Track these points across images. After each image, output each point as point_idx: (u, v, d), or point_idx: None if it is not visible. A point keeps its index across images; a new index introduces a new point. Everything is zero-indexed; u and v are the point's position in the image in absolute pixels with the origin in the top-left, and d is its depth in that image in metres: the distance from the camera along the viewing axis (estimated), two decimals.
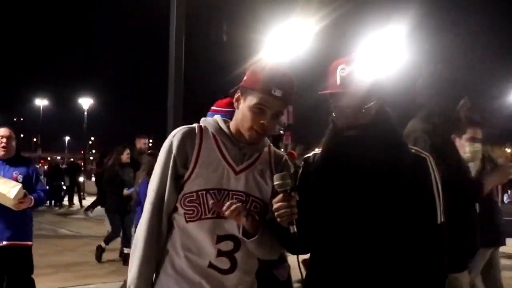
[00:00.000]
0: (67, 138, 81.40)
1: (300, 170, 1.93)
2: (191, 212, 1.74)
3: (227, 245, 1.75)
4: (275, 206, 1.64)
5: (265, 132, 1.75)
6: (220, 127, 1.82)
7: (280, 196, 1.64)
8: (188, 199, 1.74)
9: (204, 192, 1.73)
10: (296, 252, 1.84)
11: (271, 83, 1.70)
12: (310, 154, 1.93)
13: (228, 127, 1.83)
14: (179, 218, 1.77)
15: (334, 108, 1.76)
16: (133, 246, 1.82)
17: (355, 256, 1.69)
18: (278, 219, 1.65)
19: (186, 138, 1.78)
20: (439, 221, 1.71)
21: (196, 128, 1.82)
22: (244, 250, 1.78)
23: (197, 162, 1.75)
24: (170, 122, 5.99)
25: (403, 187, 1.68)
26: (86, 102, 36.78)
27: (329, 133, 1.82)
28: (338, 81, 1.72)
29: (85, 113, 36.07)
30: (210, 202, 1.73)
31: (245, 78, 1.78)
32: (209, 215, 1.73)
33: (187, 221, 1.75)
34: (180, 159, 1.75)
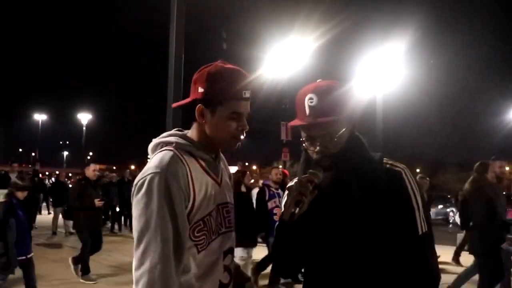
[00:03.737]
0: (65, 153, 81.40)
1: (284, 199, 1.90)
2: (202, 241, 1.65)
3: (228, 259, 1.77)
4: (296, 189, 1.62)
5: (243, 136, 1.74)
6: (192, 144, 1.71)
7: (303, 184, 1.62)
8: (197, 229, 1.64)
9: (208, 216, 1.68)
10: (286, 274, 1.86)
11: (240, 87, 1.66)
12: (293, 183, 1.89)
13: (197, 141, 1.73)
14: (189, 252, 1.61)
15: (305, 138, 1.74)
16: None
17: (343, 277, 1.68)
18: (292, 196, 1.63)
19: (180, 169, 1.61)
20: (420, 232, 1.68)
21: (177, 154, 1.65)
22: (233, 260, 1.82)
23: (195, 190, 1.64)
24: None
25: (382, 209, 1.66)
26: (85, 117, 36.87)
27: (302, 163, 1.81)
28: (307, 111, 1.68)
29: (84, 128, 36.13)
30: (213, 223, 1.69)
31: (201, 90, 1.67)
32: (213, 237, 1.70)
33: (199, 251, 1.64)
34: (185, 191, 1.61)
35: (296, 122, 1.72)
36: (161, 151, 1.67)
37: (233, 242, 1.82)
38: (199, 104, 1.68)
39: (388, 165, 1.75)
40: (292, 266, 1.85)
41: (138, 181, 1.58)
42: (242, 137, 1.73)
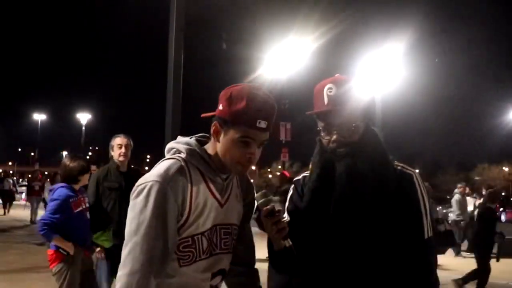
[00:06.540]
0: (64, 153, 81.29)
1: (290, 193, 1.92)
2: (186, 257, 1.62)
3: (217, 280, 1.72)
4: (268, 227, 1.65)
5: (251, 164, 1.66)
6: (203, 159, 1.67)
7: (268, 216, 1.65)
8: (183, 245, 1.61)
9: (199, 235, 1.62)
10: (286, 273, 1.87)
11: (255, 116, 1.58)
12: (300, 177, 1.93)
13: (209, 156, 1.68)
14: (170, 263, 1.61)
15: (322, 127, 1.76)
16: None
17: (347, 273, 1.69)
18: (273, 238, 1.66)
19: (182, 182, 1.59)
20: (426, 236, 1.71)
21: (184, 167, 1.62)
22: (224, 279, 1.77)
23: (191, 207, 1.60)
24: (168, 137, 5.99)
25: (390, 203, 1.69)
26: (84, 117, 36.95)
27: (316, 154, 1.82)
28: (326, 100, 1.72)
29: (83, 128, 36.17)
30: (205, 244, 1.64)
31: (220, 108, 1.63)
32: (203, 256, 1.64)
33: (180, 266, 1.62)
34: (180, 207, 1.58)
35: (314, 111, 1.76)
36: (170, 158, 1.66)
37: (227, 264, 1.75)
38: (215, 122, 1.65)
39: (399, 167, 1.77)
40: (291, 269, 1.86)
41: (140, 185, 1.58)
42: (248, 164, 1.64)
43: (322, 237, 1.74)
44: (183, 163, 1.63)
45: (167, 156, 1.70)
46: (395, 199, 1.69)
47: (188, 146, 1.69)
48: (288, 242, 1.65)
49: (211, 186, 1.66)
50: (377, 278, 1.68)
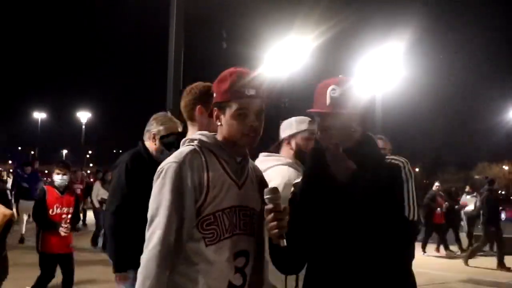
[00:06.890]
0: (64, 152, 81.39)
1: (289, 197, 1.92)
2: (211, 235, 1.70)
3: (241, 261, 1.76)
4: (269, 221, 1.65)
5: (256, 133, 1.75)
6: (217, 142, 1.79)
7: (272, 212, 1.64)
8: (206, 222, 1.70)
9: (220, 213, 1.71)
10: (286, 272, 1.87)
11: (241, 86, 1.71)
12: (299, 179, 1.93)
13: (221, 142, 1.80)
14: (195, 245, 1.70)
15: (320, 128, 1.77)
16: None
17: (345, 270, 1.70)
18: (270, 233, 1.66)
19: (195, 162, 1.71)
20: (409, 217, 1.68)
21: (198, 150, 1.76)
22: (251, 264, 1.79)
23: (209, 184, 1.71)
24: None
25: (383, 200, 1.68)
26: (84, 116, 37.00)
27: (312, 152, 1.84)
28: (328, 101, 1.72)
29: (83, 126, 36.22)
30: (226, 222, 1.71)
31: (214, 95, 1.79)
32: (226, 235, 1.72)
33: (207, 245, 1.70)
34: (198, 185, 1.69)
35: (315, 109, 1.76)
36: (185, 145, 1.80)
37: (250, 247, 1.79)
38: (215, 108, 1.78)
39: (388, 160, 1.78)
40: (293, 266, 1.86)
41: (159, 170, 1.73)
42: (253, 134, 1.75)
43: (318, 235, 1.75)
44: (197, 148, 1.76)
45: (181, 147, 1.81)
46: (384, 190, 1.69)
47: (201, 135, 1.82)
48: (283, 242, 1.65)
49: (226, 167, 1.77)
50: (375, 273, 1.68)
